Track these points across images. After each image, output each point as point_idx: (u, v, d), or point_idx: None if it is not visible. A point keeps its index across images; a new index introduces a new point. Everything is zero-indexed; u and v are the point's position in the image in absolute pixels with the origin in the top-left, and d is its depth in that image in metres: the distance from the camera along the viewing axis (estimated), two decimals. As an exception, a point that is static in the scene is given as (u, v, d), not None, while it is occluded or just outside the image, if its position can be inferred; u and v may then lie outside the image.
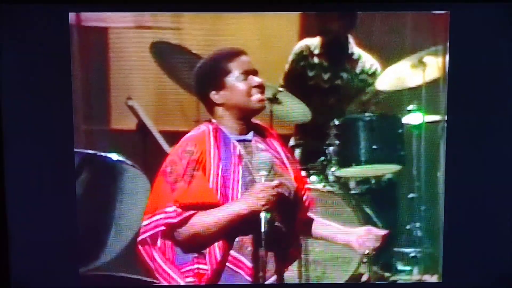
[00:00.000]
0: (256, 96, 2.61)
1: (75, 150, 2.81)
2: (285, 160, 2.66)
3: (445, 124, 2.80)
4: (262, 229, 2.49)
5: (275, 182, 2.53)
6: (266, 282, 2.56)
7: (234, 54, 2.63)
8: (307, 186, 2.79)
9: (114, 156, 2.95)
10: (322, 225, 2.75)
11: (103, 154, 2.95)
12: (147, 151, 3.08)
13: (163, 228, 2.53)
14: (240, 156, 2.58)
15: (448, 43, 2.76)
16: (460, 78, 2.76)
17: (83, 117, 3.01)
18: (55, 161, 2.79)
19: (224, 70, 2.59)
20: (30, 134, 2.76)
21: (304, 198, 2.70)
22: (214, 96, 2.59)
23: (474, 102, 2.77)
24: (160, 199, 2.55)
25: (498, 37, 2.74)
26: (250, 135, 2.63)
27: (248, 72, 2.61)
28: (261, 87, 2.62)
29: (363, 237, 2.65)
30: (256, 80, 2.61)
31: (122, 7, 2.83)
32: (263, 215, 2.49)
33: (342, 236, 2.70)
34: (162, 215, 2.53)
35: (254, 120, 2.66)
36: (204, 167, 2.55)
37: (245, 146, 2.62)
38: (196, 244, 2.54)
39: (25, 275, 2.83)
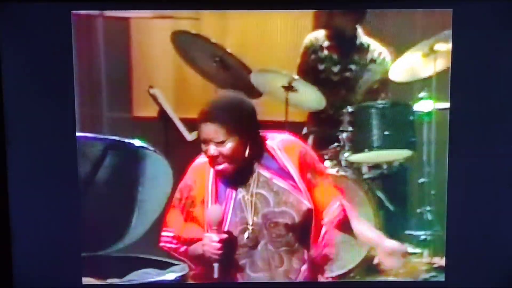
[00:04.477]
0: (217, 167, 2.58)
1: (100, 136, 2.90)
2: (299, 183, 2.63)
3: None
4: (215, 276, 2.57)
5: (219, 237, 2.55)
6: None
7: (201, 118, 2.59)
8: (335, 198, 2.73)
9: (137, 142, 3.02)
10: (358, 226, 2.76)
11: (126, 140, 3.03)
12: (168, 138, 3.14)
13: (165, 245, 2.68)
14: (236, 191, 2.62)
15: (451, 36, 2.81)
16: (464, 68, 2.81)
17: (107, 106, 3.10)
18: (58, 152, 2.83)
19: None
20: (33, 133, 2.81)
21: (331, 210, 2.67)
22: None
23: (478, 92, 2.82)
24: (169, 218, 2.69)
25: (502, 29, 2.80)
26: (251, 169, 2.63)
27: (207, 141, 2.58)
28: (216, 157, 2.57)
29: (391, 256, 2.69)
30: (210, 152, 2.56)
31: (124, 5, 2.90)
32: (215, 265, 2.57)
33: (372, 243, 2.75)
34: (165, 234, 2.68)
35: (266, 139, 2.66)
36: (202, 203, 2.63)
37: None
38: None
39: (28, 271, 2.89)
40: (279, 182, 2.61)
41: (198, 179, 2.63)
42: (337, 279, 3.13)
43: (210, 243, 2.55)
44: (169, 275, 2.88)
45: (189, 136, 3.07)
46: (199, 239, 2.61)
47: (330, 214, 2.64)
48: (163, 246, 2.69)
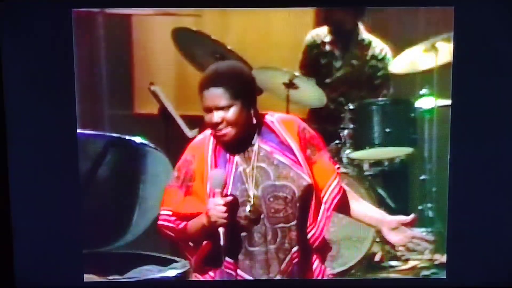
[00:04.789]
0: (220, 133, 2.55)
1: (101, 133, 2.91)
2: (300, 158, 2.59)
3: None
4: (221, 242, 2.51)
5: (223, 200, 2.51)
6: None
7: (204, 85, 2.55)
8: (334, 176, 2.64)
9: (138, 139, 3.03)
10: (359, 207, 2.69)
11: (127, 137, 3.03)
12: (168, 135, 3.15)
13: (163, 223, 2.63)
14: (236, 164, 2.59)
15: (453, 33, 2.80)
16: (466, 65, 2.80)
17: (108, 103, 3.11)
18: (59, 149, 2.81)
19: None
20: (34, 130, 2.79)
21: (331, 188, 2.62)
22: None
23: (479, 89, 2.82)
24: (166, 197, 2.63)
25: (504, 26, 2.79)
26: (252, 140, 2.59)
27: (209, 109, 2.53)
28: (219, 124, 2.53)
29: (397, 230, 2.59)
30: (214, 119, 2.52)
31: (125, 2, 2.87)
32: (221, 229, 2.51)
33: (375, 222, 2.65)
34: (164, 212, 2.62)
35: (264, 116, 2.61)
36: (202, 176, 2.58)
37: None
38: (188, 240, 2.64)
39: (29, 268, 2.88)
40: (280, 157, 2.60)
41: (197, 154, 2.60)
42: (338, 276, 3.14)
43: (215, 206, 2.53)
44: (170, 272, 2.89)
45: (190, 133, 3.08)
46: (199, 213, 2.59)
47: (329, 192, 2.63)
48: (161, 224, 2.65)
